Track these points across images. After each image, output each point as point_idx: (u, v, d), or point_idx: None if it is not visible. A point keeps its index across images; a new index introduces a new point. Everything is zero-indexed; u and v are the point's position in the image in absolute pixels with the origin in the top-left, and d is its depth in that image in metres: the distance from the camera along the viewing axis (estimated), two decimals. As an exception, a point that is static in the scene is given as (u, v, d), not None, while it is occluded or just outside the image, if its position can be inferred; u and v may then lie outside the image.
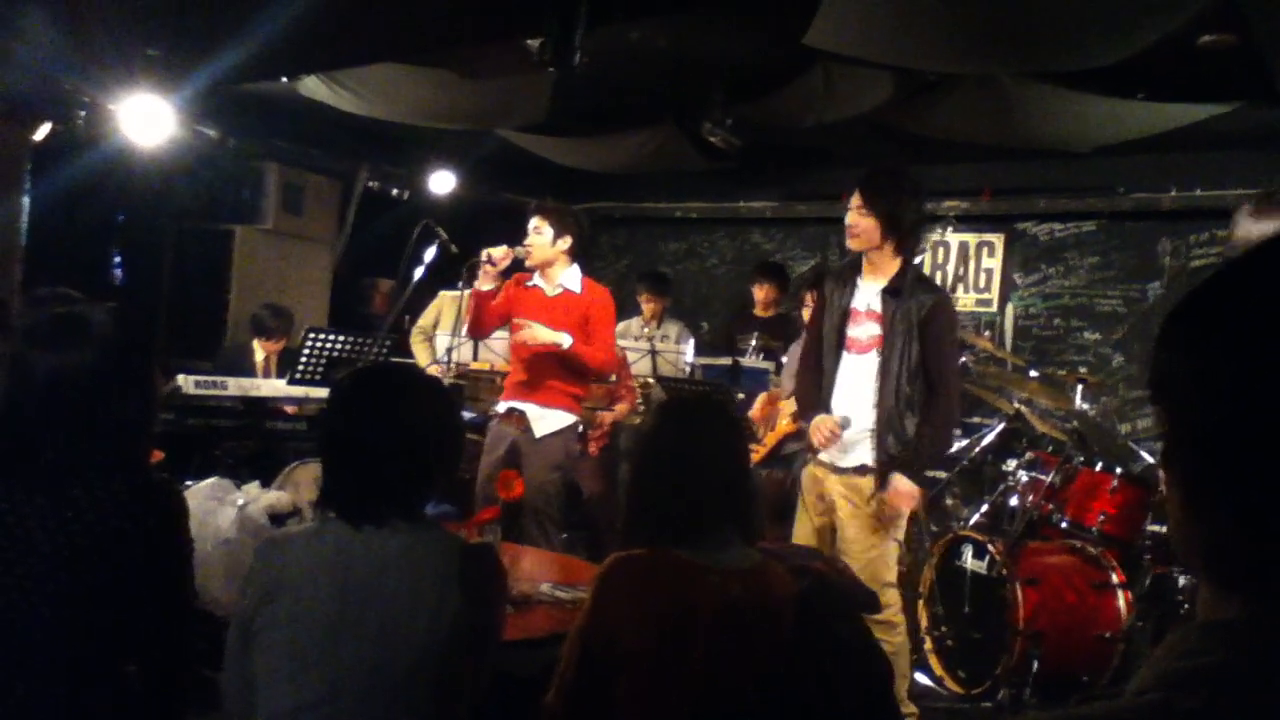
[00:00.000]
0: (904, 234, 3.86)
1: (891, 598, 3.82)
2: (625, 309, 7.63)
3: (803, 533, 4.00)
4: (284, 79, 5.69)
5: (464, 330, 5.17)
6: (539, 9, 4.14)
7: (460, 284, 5.27)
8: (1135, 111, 5.31)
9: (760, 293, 7.01)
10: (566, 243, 4.78)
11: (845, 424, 3.81)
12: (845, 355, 3.90)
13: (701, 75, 5.69)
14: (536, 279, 4.84)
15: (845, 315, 3.91)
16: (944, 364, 3.80)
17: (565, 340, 4.64)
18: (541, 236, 4.75)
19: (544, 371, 4.75)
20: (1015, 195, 7.20)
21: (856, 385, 3.85)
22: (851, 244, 3.89)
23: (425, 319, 6.53)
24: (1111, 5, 3.99)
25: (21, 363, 2.00)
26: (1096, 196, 6.84)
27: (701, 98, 5.92)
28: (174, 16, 5.00)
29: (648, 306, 7.26)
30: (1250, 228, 2.87)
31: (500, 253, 4.63)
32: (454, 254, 5.55)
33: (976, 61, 4.72)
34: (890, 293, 3.82)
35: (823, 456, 3.91)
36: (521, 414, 4.78)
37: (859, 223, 3.83)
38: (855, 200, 3.85)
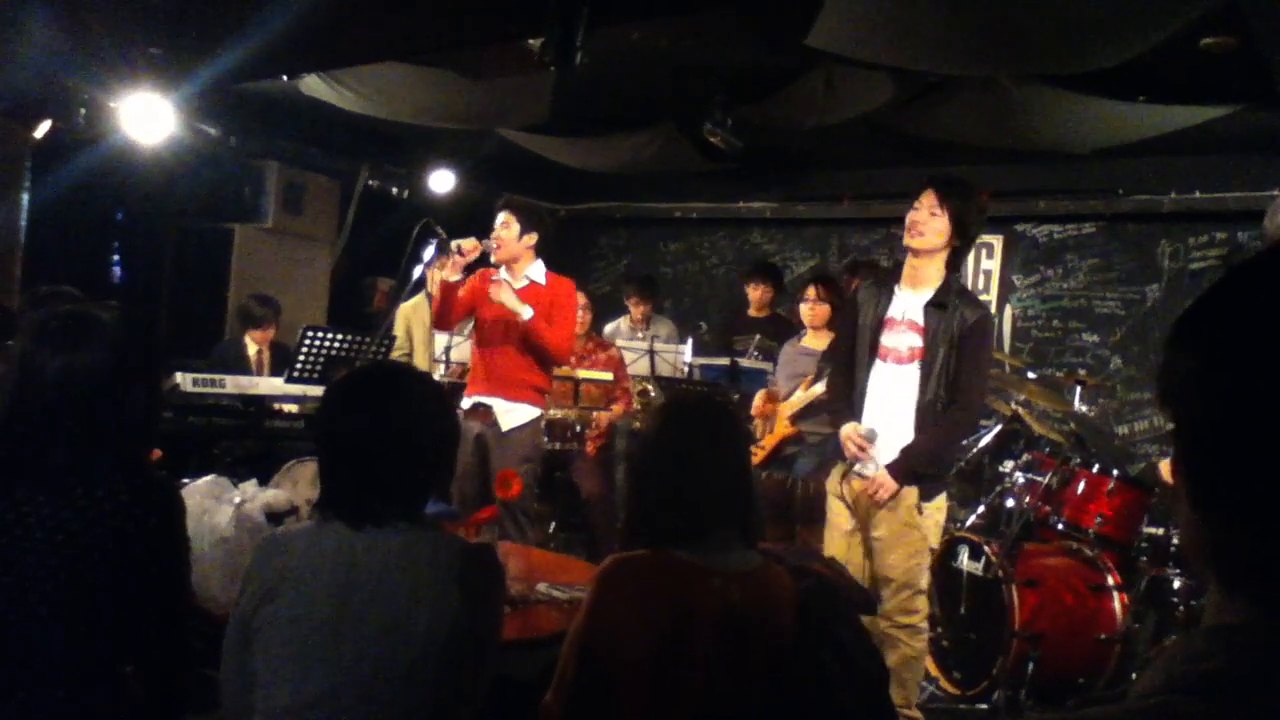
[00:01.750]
0: (964, 244, 3.78)
1: (921, 604, 3.79)
2: (625, 307, 7.62)
3: (835, 541, 3.89)
4: (285, 78, 5.69)
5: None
6: (541, 9, 4.14)
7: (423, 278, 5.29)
8: (1135, 114, 5.32)
9: (755, 293, 6.98)
10: (533, 239, 4.81)
11: (871, 436, 3.74)
12: (879, 364, 3.80)
13: (702, 76, 5.69)
14: (502, 272, 4.86)
15: (880, 323, 3.80)
16: (973, 378, 3.69)
17: (526, 312, 4.67)
18: (509, 231, 4.78)
19: (508, 366, 4.78)
20: (1015, 197, 7.19)
21: (893, 395, 3.76)
22: (913, 242, 3.75)
23: (399, 342, 6.39)
24: (1113, 8, 3.99)
25: (31, 361, 2.00)
26: (1096, 198, 6.85)
27: (702, 98, 5.92)
28: (175, 15, 5.00)
29: (636, 309, 7.25)
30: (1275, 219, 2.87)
31: (469, 244, 4.66)
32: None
33: (977, 63, 4.72)
34: (935, 305, 3.72)
35: (864, 470, 3.79)
36: (488, 409, 4.79)
37: (928, 222, 3.70)
38: (929, 199, 3.71)
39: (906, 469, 3.68)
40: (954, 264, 3.78)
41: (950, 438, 3.78)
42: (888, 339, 3.78)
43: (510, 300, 4.66)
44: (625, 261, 9.30)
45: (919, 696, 3.96)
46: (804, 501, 4.99)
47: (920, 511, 3.71)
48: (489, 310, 4.79)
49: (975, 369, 3.70)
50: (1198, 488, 0.81)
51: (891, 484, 3.68)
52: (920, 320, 3.72)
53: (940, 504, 3.82)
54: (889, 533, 3.73)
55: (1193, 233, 6.57)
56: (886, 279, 3.90)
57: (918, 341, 3.72)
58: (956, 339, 3.66)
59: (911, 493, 3.70)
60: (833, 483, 3.94)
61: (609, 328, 7.32)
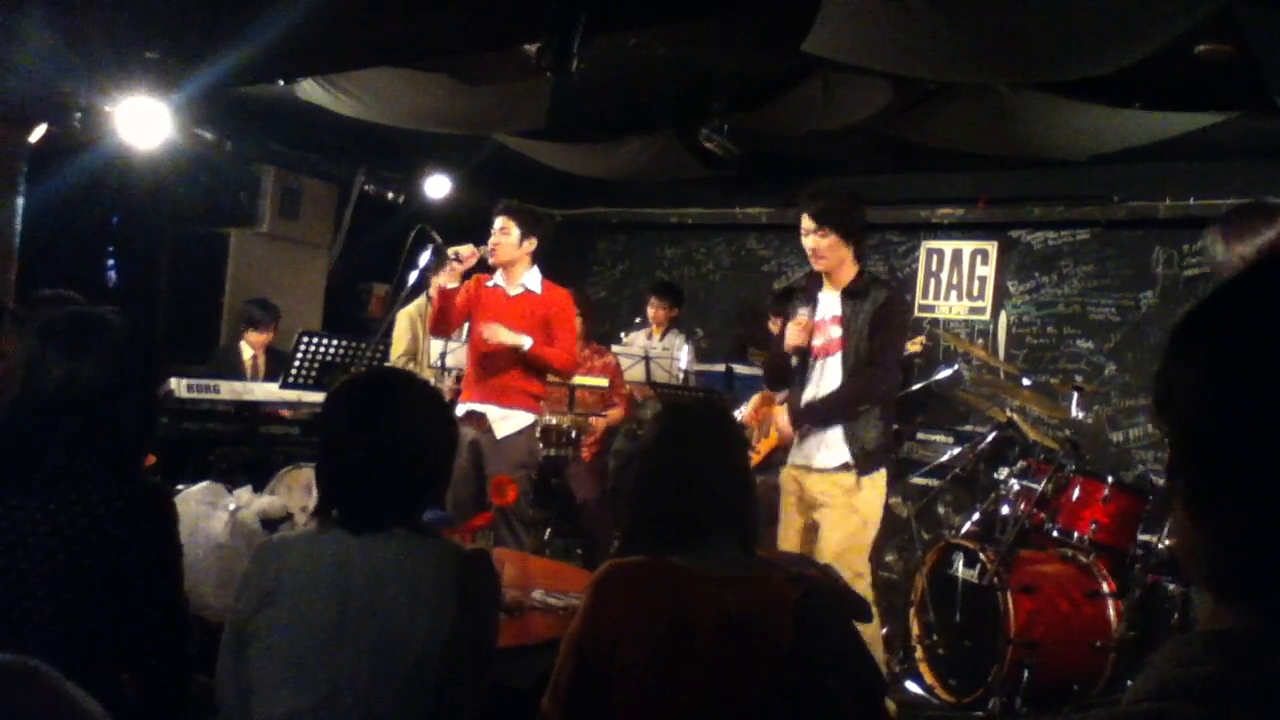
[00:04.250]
0: (859, 241, 4.12)
1: (864, 587, 3.96)
2: (622, 313, 7.60)
3: (788, 534, 4.14)
4: (282, 82, 5.68)
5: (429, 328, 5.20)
6: (539, 15, 4.14)
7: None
8: (1131, 120, 5.32)
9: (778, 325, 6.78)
10: (532, 245, 4.80)
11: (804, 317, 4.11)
12: (813, 362, 4.12)
13: (700, 82, 5.69)
14: (498, 279, 4.85)
15: (809, 331, 4.13)
16: (882, 349, 4.01)
17: (526, 342, 4.68)
18: (508, 237, 4.77)
19: (502, 372, 4.77)
20: (1010, 203, 7.20)
21: (826, 384, 4.07)
22: (820, 265, 4.09)
23: (397, 347, 6.32)
24: (1109, 15, 4.00)
25: (35, 363, 2.00)
26: (1091, 205, 6.85)
27: (700, 105, 5.92)
28: (172, 19, 4.99)
29: (655, 313, 7.12)
30: (1232, 248, 2.88)
31: (466, 251, 4.66)
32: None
33: (974, 71, 4.73)
34: (849, 294, 4.06)
35: (799, 459, 4.11)
36: (482, 415, 4.79)
37: (820, 244, 4.03)
38: (808, 223, 4.05)
39: (803, 417, 4.06)
40: (860, 255, 4.14)
41: (851, 393, 4.02)
42: (818, 340, 4.11)
43: (506, 338, 4.67)
44: (622, 267, 9.30)
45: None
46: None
47: (860, 487, 3.96)
48: (485, 317, 4.78)
49: (886, 339, 4.03)
50: (1194, 495, 0.81)
51: (787, 425, 4.09)
52: (839, 311, 4.07)
53: (879, 484, 4.05)
54: (832, 521, 4.00)
55: (1187, 239, 6.57)
56: (811, 289, 4.24)
57: (839, 332, 4.06)
58: (870, 319, 4.00)
59: (850, 476, 3.99)
60: (785, 479, 4.20)
61: (629, 337, 7.23)
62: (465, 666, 1.99)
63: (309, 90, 5.72)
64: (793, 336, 4.10)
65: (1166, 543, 4.58)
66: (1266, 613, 0.76)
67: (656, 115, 6.42)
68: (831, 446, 4.03)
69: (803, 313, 4.12)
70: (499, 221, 4.80)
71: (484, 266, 4.84)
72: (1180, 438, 0.82)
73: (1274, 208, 2.73)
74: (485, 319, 4.79)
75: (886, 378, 4.06)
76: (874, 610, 4.05)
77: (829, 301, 4.12)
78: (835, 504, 4.00)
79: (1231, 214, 2.83)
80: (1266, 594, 0.76)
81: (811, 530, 4.10)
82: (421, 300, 6.19)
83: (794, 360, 4.16)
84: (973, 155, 6.22)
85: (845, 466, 4.00)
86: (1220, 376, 0.78)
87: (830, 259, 4.05)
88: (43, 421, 1.98)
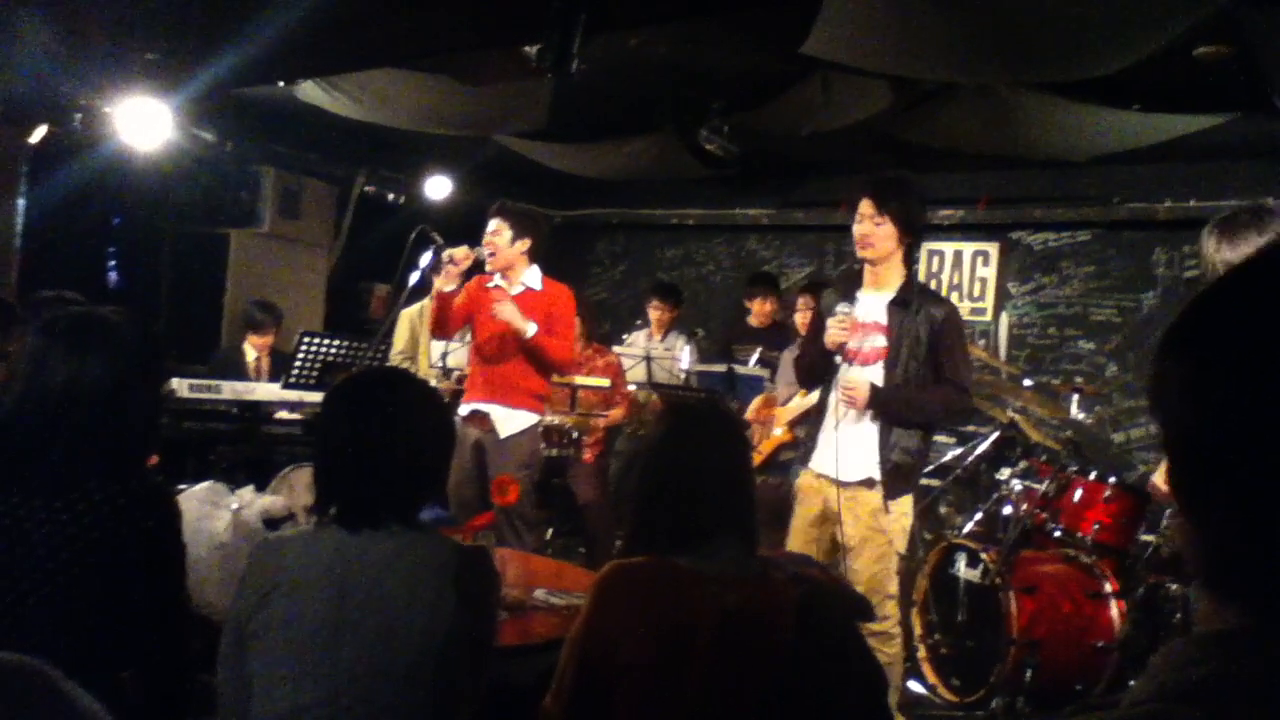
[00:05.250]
0: (916, 239, 3.81)
1: (891, 609, 3.81)
2: (622, 314, 7.59)
3: (799, 542, 3.94)
4: (282, 83, 5.69)
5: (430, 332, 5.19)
6: (539, 15, 4.14)
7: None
8: (1131, 122, 5.33)
9: (758, 305, 6.92)
10: (526, 244, 4.78)
11: (847, 309, 3.77)
12: (845, 367, 3.79)
13: (700, 83, 5.70)
14: (498, 279, 4.85)
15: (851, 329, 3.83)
16: (960, 366, 3.75)
17: (530, 329, 4.66)
18: (501, 238, 4.76)
19: (507, 372, 4.77)
20: (1011, 204, 7.21)
21: None
22: (865, 254, 3.77)
23: (394, 347, 6.30)
24: (1109, 16, 4.00)
25: (40, 362, 2.00)
26: (1092, 206, 6.86)
27: (700, 105, 5.93)
28: (172, 20, 5.00)
29: (656, 314, 7.11)
30: (1222, 251, 2.88)
31: (461, 253, 4.64)
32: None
33: (974, 71, 4.73)
34: (898, 304, 3.76)
35: (824, 469, 3.83)
36: (485, 415, 4.78)
37: (873, 231, 3.72)
38: (867, 207, 3.71)
39: (884, 398, 3.70)
40: (910, 259, 3.82)
41: (938, 400, 3.77)
42: (854, 343, 3.79)
43: (514, 319, 4.65)
44: (622, 267, 9.30)
45: (897, 699, 3.97)
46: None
47: (887, 510, 3.73)
48: (486, 317, 4.79)
49: (961, 359, 3.77)
50: (1190, 495, 0.81)
51: (865, 393, 3.68)
52: (884, 320, 3.77)
53: (906, 507, 3.82)
54: (855, 537, 3.76)
55: (1188, 240, 6.57)
56: (849, 285, 3.92)
57: (881, 341, 3.77)
58: (925, 337, 3.72)
59: (876, 495, 3.73)
60: (803, 488, 3.95)
61: (629, 338, 7.23)
62: (463, 662, 2.00)
63: (309, 91, 5.73)
64: (835, 334, 3.74)
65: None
66: (1263, 613, 0.76)
67: (656, 115, 6.43)
68: (860, 456, 3.74)
69: (843, 308, 3.75)
70: (491, 223, 4.80)
71: (480, 268, 4.84)
72: (1175, 437, 0.82)
73: (1264, 211, 2.72)
74: (488, 320, 4.78)
75: (968, 396, 3.82)
76: (899, 629, 3.88)
77: (871, 304, 3.81)
78: (860, 530, 3.75)
79: (1224, 219, 2.81)
80: (1263, 594, 0.76)
81: (826, 543, 3.85)
82: (425, 303, 6.20)
83: (836, 359, 3.81)
84: (973, 156, 6.23)
85: (869, 483, 3.74)
86: (1213, 375, 0.78)
87: (880, 249, 3.72)
88: (46, 420, 1.98)
